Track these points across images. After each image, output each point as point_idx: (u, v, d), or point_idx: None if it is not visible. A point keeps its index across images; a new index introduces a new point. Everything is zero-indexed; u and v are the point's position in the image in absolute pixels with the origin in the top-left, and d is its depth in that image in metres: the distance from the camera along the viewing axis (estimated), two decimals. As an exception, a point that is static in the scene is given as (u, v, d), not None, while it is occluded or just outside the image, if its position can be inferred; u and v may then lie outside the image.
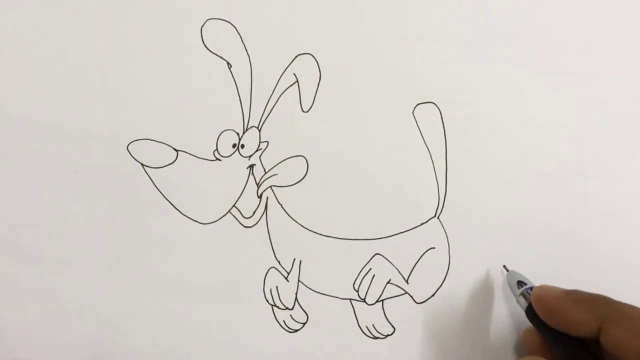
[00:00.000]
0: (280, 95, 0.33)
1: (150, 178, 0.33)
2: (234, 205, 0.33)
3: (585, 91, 0.33)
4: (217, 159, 0.33)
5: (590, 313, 0.27)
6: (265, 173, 0.33)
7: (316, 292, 0.32)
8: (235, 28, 0.33)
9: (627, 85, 0.33)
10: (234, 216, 0.33)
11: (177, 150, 0.33)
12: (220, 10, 0.33)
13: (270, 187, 0.33)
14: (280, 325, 0.32)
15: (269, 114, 0.33)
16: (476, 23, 0.33)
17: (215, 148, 0.33)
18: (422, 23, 0.33)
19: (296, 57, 0.33)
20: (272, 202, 0.33)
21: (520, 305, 0.30)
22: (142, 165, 0.33)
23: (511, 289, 0.31)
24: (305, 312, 0.32)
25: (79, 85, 0.33)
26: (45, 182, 0.32)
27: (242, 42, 0.33)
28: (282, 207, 0.33)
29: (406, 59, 0.33)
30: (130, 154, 0.32)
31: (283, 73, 0.33)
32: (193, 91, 0.33)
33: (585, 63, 0.33)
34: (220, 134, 0.33)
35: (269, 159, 0.33)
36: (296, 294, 0.32)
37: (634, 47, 0.33)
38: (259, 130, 0.33)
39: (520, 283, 0.30)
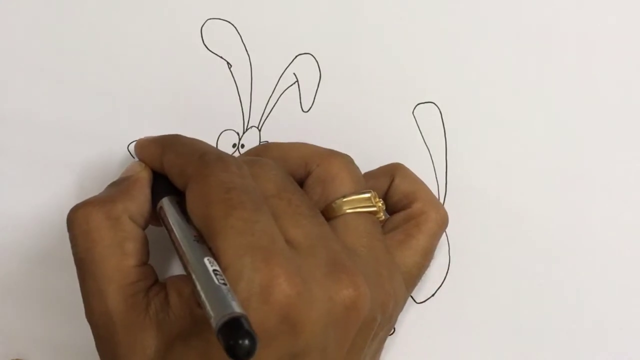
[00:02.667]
0: (280, 95, 0.33)
1: (150, 178, 0.33)
2: (234, 205, 0.33)
3: (586, 90, 0.33)
4: (217, 159, 0.33)
5: (157, 147, 0.28)
6: (265, 173, 0.33)
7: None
8: (236, 28, 0.33)
9: (628, 84, 0.33)
10: (234, 216, 0.32)
11: (177, 150, 0.33)
12: (220, 10, 0.33)
13: (270, 187, 0.33)
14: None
15: (269, 114, 0.33)
16: (476, 23, 0.33)
17: (215, 148, 0.33)
18: (422, 23, 0.33)
19: (296, 57, 0.33)
20: (272, 202, 0.33)
21: None
22: (142, 165, 0.33)
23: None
24: (305, 312, 0.32)
25: (78, 85, 0.33)
26: (45, 182, 0.32)
27: (242, 42, 0.33)
28: (282, 207, 0.33)
29: (406, 59, 0.33)
30: (131, 154, 0.32)
31: (283, 73, 0.33)
32: (193, 91, 0.33)
33: (586, 62, 0.33)
34: (220, 134, 0.33)
35: (269, 159, 0.33)
36: (296, 294, 0.32)
37: (635, 46, 0.33)
38: (259, 130, 0.33)
39: None
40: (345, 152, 0.30)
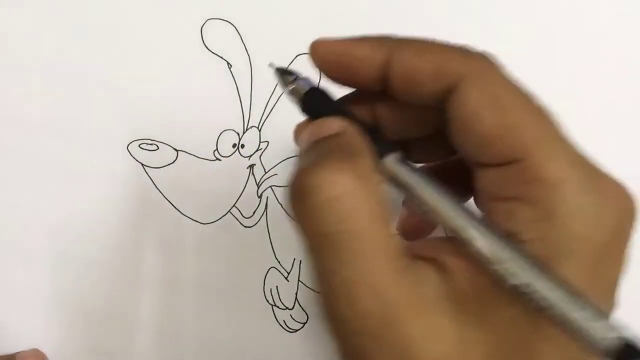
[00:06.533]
0: (281, 96, 0.33)
1: (150, 178, 0.33)
2: (234, 205, 0.33)
3: (586, 90, 0.33)
4: (217, 159, 0.33)
5: (373, 49, 0.22)
6: (265, 173, 0.33)
7: (316, 292, 0.32)
8: (236, 28, 0.33)
9: (627, 84, 0.33)
10: (234, 216, 0.33)
11: (177, 150, 0.33)
12: (220, 10, 0.33)
13: (271, 187, 0.33)
14: (280, 325, 0.32)
15: (269, 114, 0.33)
16: (476, 23, 0.33)
17: (215, 148, 0.33)
18: (421, 23, 0.33)
19: (296, 57, 0.33)
20: (272, 202, 0.33)
21: (295, 99, 0.24)
22: (142, 165, 0.33)
23: (281, 85, 0.25)
24: (305, 312, 0.32)
25: (78, 85, 0.33)
26: (45, 182, 0.32)
27: (242, 42, 0.33)
28: (282, 207, 0.33)
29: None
30: (130, 154, 0.32)
31: (283, 73, 0.33)
32: (193, 91, 0.33)
33: (586, 62, 0.33)
34: (220, 134, 0.33)
35: (269, 159, 0.33)
36: (296, 294, 0.32)
37: (633, 46, 0.33)
38: (259, 130, 0.33)
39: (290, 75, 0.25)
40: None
